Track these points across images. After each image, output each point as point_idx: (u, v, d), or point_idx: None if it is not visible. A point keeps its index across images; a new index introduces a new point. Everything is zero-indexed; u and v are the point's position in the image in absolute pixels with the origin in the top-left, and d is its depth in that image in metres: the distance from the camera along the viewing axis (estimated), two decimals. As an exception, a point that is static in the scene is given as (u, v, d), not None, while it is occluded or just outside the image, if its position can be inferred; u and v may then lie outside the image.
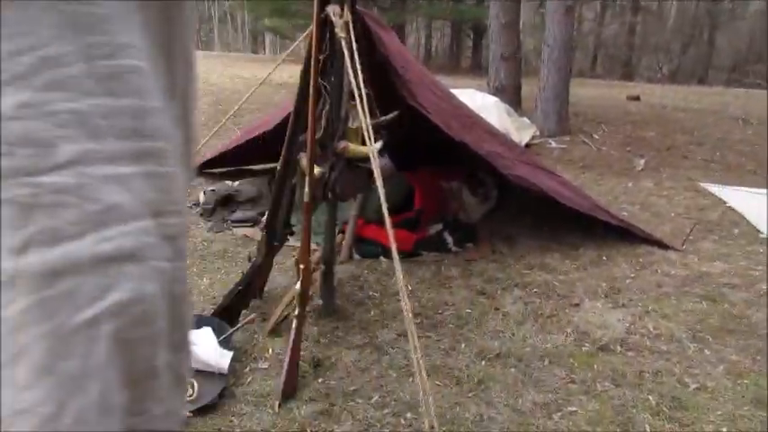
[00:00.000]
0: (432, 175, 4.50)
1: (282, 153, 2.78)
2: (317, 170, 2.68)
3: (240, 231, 4.29)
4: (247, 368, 2.76)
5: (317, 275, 3.08)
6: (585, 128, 7.02)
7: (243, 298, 3.02)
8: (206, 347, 2.61)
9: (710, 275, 3.83)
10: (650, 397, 2.65)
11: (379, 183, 2.17)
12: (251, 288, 3.04)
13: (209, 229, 4.33)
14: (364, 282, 3.67)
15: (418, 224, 4.17)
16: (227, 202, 4.60)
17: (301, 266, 2.60)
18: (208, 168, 5.11)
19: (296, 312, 2.58)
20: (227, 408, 2.49)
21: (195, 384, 2.47)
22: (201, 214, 4.49)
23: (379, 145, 2.72)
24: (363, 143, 2.68)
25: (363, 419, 2.47)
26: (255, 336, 3.02)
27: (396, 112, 2.84)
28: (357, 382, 2.70)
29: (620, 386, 2.72)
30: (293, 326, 2.57)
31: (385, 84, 3.15)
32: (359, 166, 2.63)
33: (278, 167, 2.82)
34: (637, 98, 11.99)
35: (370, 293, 3.53)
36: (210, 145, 5.65)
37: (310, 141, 2.52)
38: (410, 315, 2.28)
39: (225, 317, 2.98)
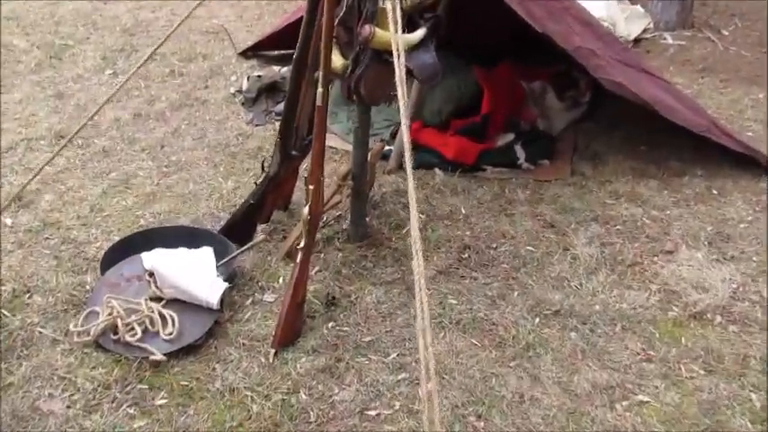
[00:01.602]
0: (510, 74, 3.69)
1: (299, 39, 2.15)
2: (338, 62, 2.04)
3: (283, 126, 3.74)
4: (249, 300, 2.32)
5: (342, 194, 2.52)
6: (713, 21, 5.75)
7: (253, 215, 2.53)
8: (196, 275, 2.16)
9: None
10: (753, 395, 1.99)
11: (401, 91, 1.51)
12: (265, 204, 2.54)
13: (248, 122, 3.80)
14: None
15: (485, 132, 3.46)
16: (272, 90, 4.02)
17: (310, 187, 2.04)
18: (257, 50, 4.51)
19: (301, 243, 2.06)
20: (212, 351, 2.08)
21: (175, 319, 2.05)
22: (243, 103, 3.96)
23: (419, 33, 2.02)
24: (407, 29, 2.00)
25: (371, 384, 1.99)
26: (268, 259, 2.55)
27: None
28: (375, 330, 2.21)
29: (714, 373, 2.08)
30: (298, 258, 2.06)
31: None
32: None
33: (294, 57, 2.20)
34: (781, -13, 10.00)
35: (419, 209, 2.93)
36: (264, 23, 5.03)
37: (326, 20, 1.86)
38: (419, 252, 1.70)
39: (233, 236, 2.52)
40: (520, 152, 3.42)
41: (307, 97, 2.23)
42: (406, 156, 1.45)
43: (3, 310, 2.16)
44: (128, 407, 1.83)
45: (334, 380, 1.99)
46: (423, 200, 3.04)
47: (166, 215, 2.82)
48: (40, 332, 2.08)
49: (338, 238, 2.69)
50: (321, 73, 1.91)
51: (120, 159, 3.27)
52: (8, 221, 2.68)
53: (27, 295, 2.26)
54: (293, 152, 2.41)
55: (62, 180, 3.00)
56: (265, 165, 2.50)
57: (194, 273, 2.17)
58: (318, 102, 1.97)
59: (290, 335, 2.09)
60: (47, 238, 2.60)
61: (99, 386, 1.88)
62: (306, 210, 2.05)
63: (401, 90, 1.49)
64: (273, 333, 2.08)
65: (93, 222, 2.73)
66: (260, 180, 2.50)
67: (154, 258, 2.24)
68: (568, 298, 2.42)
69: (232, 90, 4.10)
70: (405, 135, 1.46)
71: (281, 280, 2.44)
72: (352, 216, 2.65)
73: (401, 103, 1.49)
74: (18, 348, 2.01)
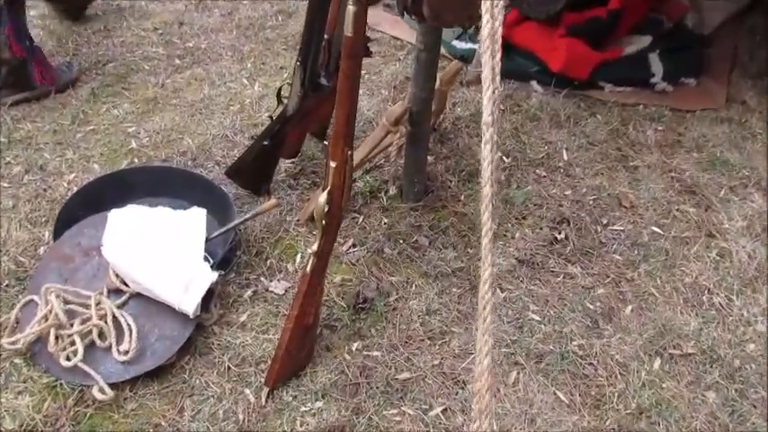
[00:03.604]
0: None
1: None
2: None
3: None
4: (250, 291, 1.67)
5: (394, 141, 1.72)
6: None
7: (268, 161, 1.80)
8: (168, 266, 1.50)
9: None
10: None
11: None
12: (286, 141, 1.78)
13: (295, -8, 2.90)
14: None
15: (609, 34, 2.44)
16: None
17: (331, 164, 1.27)
18: None
19: (313, 246, 1.34)
20: (185, 377, 1.47)
21: (133, 331, 1.43)
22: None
23: None
24: None
25: (400, 464, 1.35)
26: (287, 221, 1.85)
27: None
28: (417, 361, 1.53)
29: None
30: (308, 267, 1.35)
31: None
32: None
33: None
34: None
35: (502, 149, 2.11)
36: None
37: None
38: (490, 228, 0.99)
39: (241, 181, 1.83)
40: (656, 65, 2.42)
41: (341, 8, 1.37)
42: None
43: (-76, 283, 1.61)
44: (51, 470, 1.29)
45: (345, 446, 1.36)
46: (511, 131, 2.18)
47: (165, 134, 2.12)
48: (-36, 324, 1.53)
49: (385, 192, 1.93)
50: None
51: (122, 42, 2.53)
52: (-32, 134, 2.07)
53: (-36, 256, 1.69)
54: (322, 81, 1.59)
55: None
56: (283, 93, 1.71)
57: (167, 261, 1.51)
58: (347, 30, 1.12)
59: (290, 369, 1.44)
60: (8, 162, 1.98)
61: (22, 427, 1.34)
62: (323, 198, 1.29)
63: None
64: (270, 362, 1.43)
65: (71, 141, 2.07)
66: (276, 113, 1.72)
67: (117, 226, 1.59)
68: (708, 327, 1.62)
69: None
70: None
71: (297, 259, 1.75)
72: (405, 167, 1.86)
73: None
74: (-71, 350, 1.47)
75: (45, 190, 1.89)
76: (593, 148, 2.17)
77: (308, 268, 1.36)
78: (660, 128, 2.26)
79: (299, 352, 1.43)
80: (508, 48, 2.44)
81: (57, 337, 1.42)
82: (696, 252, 1.81)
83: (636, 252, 1.82)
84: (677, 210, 1.94)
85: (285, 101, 1.68)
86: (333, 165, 1.28)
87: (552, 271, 1.76)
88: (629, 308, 1.67)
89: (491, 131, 0.81)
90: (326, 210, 1.31)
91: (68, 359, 1.39)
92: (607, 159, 2.13)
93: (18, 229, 1.77)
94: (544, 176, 2.06)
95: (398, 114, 1.65)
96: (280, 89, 1.73)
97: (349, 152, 1.27)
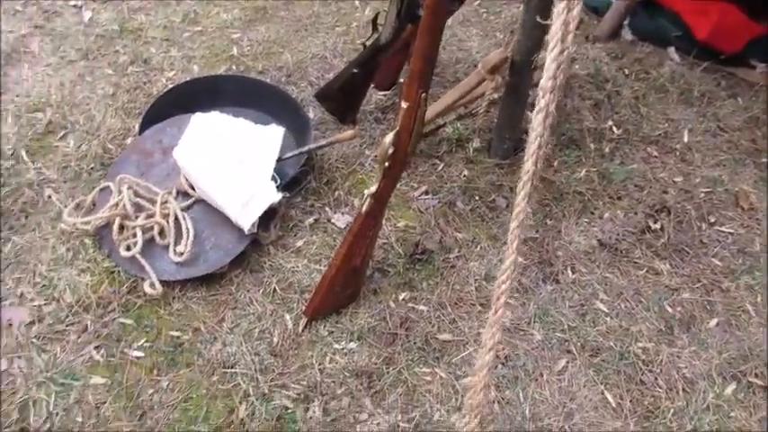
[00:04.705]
0: None
1: None
2: None
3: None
4: (313, 218, 1.65)
5: (486, 92, 1.60)
6: None
7: (357, 89, 1.74)
8: (233, 179, 1.51)
9: None
10: None
11: None
12: (378, 70, 1.71)
13: None
14: (615, 91, 2.01)
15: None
16: None
17: (403, 105, 1.19)
18: None
19: (372, 188, 1.29)
20: (231, 290, 1.50)
21: (191, 235, 1.47)
22: None
23: None
24: None
25: (419, 422, 1.31)
26: (365, 154, 1.80)
27: None
28: (462, 326, 1.46)
29: None
30: (363, 208, 1.31)
31: None
32: None
33: None
34: None
35: (614, 119, 1.92)
36: None
37: None
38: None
39: (327, 106, 1.79)
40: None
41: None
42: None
43: (23, 152, 1.73)
44: (95, 348, 1.37)
45: (369, 395, 1.34)
46: (627, 102, 1.97)
47: (267, 46, 2.11)
48: (50, 198, 1.63)
49: (472, 144, 1.82)
50: None
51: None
52: (86, 16, 2.16)
53: (62, 132, 1.80)
54: (419, 12, 1.48)
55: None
56: (378, 21, 1.62)
57: (234, 174, 1.51)
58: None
59: (331, 305, 1.43)
60: (117, 50, 2.06)
61: (77, 303, 1.43)
62: (389, 138, 1.22)
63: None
64: (313, 293, 1.42)
65: (178, 39, 2.11)
66: (369, 41, 1.64)
67: (197, 130, 1.61)
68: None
69: None
70: None
71: (365, 194, 1.70)
72: (498, 121, 1.74)
73: None
74: (15, 215, 1.59)
75: (145, 83, 1.96)
76: (722, 135, 1.92)
77: (364, 209, 1.31)
78: (812, 124, 1.95)
79: (342, 290, 1.41)
80: (652, 6, 2.17)
81: (121, 227, 1.49)
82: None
83: (740, 261, 1.61)
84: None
85: (380, 28, 1.59)
86: (404, 105, 1.20)
87: (635, 262, 1.60)
88: (715, 321, 1.50)
89: (548, 98, 0.70)
90: (391, 152, 1.24)
91: (128, 249, 1.46)
92: (735, 150, 1.88)
93: (113, 116, 1.84)
94: (655, 157, 1.85)
95: (496, 62, 1.52)
96: (376, 16, 1.65)
97: (423, 94, 1.18)
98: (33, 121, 1.81)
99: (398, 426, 1.30)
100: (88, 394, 1.30)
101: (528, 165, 0.82)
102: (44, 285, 1.46)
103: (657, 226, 1.67)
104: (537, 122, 0.79)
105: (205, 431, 1.27)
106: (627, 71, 2.08)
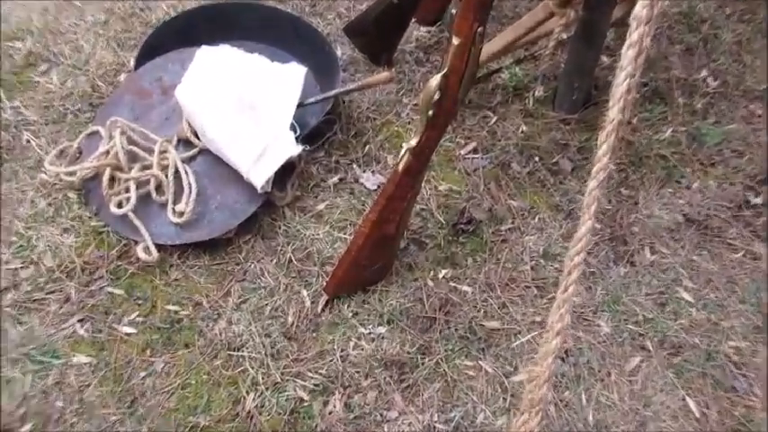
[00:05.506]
0: None
1: None
2: None
3: None
4: (336, 177, 1.60)
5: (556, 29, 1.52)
6: None
7: (392, 26, 1.67)
8: (245, 126, 1.46)
9: None
10: None
11: None
12: (412, 10, 1.64)
13: None
14: (712, 35, 1.90)
15: None
16: None
17: (454, 41, 1.12)
18: None
19: (412, 141, 1.23)
20: (240, 257, 1.46)
21: (193, 192, 1.43)
22: None
23: None
24: None
25: (455, 424, 1.28)
26: (402, 103, 1.74)
27: None
28: (515, 312, 1.41)
29: None
30: (400, 165, 1.25)
31: None
32: None
33: None
34: None
35: (710, 68, 1.82)
36: None
37: None
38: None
39: (358, 41, 1.74)
40: None
41: None
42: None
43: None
44: (78, 321, 1.35)
45: (399, 389, 1.30)
46: (727, 48, 1.87)
47: (287, -30, 2.03)
48: (28, 142, 1.61)
49: (533, 93, 1.74)
50: None
51: None
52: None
53: (44, 66, 1.77)
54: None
55: None
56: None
57: (246, 120, 1.47)
58: None
59: (357, 281, 1.38)
60: (110, -31, 2.01)
61: (59, 268, 1.41)
62: (435, 81, 1.15)
63: None
64: (335, 267, 1.38)
65: (182, -43, 2.05)
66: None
67: (203, 66, 1.56)
68: None
69: None
70: None
71: (402, 149, 1.64)
72: (567, 66, 1.66)
73: None
74: (-11, 161, 1.58)
75: (142, 10, 1.91)
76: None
77: (401, 166, 1.25)
78: None
79: (371, 263, 1.36)
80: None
81: (112, 179, 1.45)
82: None
83: None
84: None
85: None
86: (455, 42, 1.12)
87: (730, 243, 1.53)
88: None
89: (642, 31, 0.63)
90: (437, 97, 1.17)
91: (119, 206, 1.42)
92: None
93: (104, 48, 1.81)
94: (759, 116, 1.76)
95: (568, -6, 1.43)
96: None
97: (480, 29, 1.10)
98: (10, 51, 1.79)
99: (434, 427, 1.26)
100: (70, 375, 1.28)
101: (613, 112, 0.77)
102: (21, 246, 1.45)
103: (758, 200, 1.59)
104: (627, 60, 0.74)
105: (205, 423, 1.24)
106: (728, 10, 1.98)
